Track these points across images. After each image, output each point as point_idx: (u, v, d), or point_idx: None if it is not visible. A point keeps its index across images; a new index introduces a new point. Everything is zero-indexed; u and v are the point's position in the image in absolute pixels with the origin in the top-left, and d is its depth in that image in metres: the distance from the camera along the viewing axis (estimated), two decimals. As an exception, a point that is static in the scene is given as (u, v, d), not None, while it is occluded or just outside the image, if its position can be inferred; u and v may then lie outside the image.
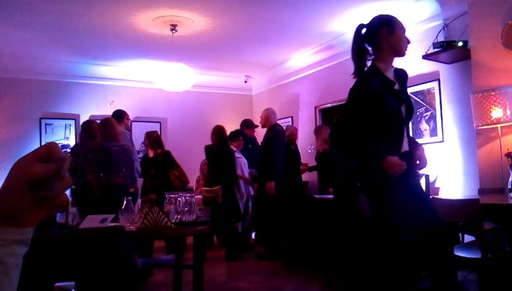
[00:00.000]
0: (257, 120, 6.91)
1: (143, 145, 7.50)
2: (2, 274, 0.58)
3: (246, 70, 7.83)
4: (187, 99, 7.69)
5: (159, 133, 6.14)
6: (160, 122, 7.59)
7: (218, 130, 5.70)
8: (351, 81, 2.56)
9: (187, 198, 2.74)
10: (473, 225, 2.93)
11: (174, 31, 5.43)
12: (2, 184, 0.59)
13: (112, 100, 7.16)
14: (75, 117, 6.99)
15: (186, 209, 2.68)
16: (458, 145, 4.71)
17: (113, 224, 2.43)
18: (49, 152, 0.60)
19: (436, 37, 4.67)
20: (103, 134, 4.59)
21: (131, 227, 2.45)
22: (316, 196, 4.87)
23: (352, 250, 3.96)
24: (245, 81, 8.24)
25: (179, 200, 2.71)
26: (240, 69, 7.76)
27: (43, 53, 6.35)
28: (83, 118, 7.07)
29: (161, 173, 5.43)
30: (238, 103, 8.21)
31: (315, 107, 7.02)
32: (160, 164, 5.47)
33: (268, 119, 5.73)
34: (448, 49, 4.43)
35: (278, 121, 7.71)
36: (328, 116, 6.99)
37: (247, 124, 6.54)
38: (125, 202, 2.58)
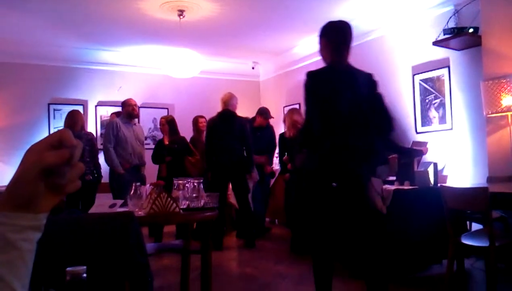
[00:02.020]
0: (264, 106, 6.88)
1: (151, 131, 7.53)
2: (18, 259, 0.59)
3: (254, 56, 7.79)
4: (195, 85, 7.68)
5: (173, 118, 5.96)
6: (167, 108, 7.59)
7: (194, 121, 6.21)
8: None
9: (195, 184, 2.75)
10: (481, 213, 2.93)
11: (181, 16, 5.40)
12: (15, 171, 0.60)
13: (120, 86, 7.17)
14: (83, 103, 7.01)
15: (194, 195, 2.69)
16: (467, 133, 4.67)
17: (122, 209, 2.46)
18: (61, 138, 0.60)
19: (447, 23, 4.60)
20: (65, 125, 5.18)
21: (140, 212, 2.47)
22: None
23: (358, 237, 3.96)
24: (253, 68, 8.19)
25: (187, 186, 2.72)
26: (247, 55, 7.72)
27: (51, 38, 6.35)
28: (91, 104, 7.11)
29: (177, 160, 5.47)
30: (246, 90, 8.16)
31: (323, 94, 6.96)
32: (176, 152, 5.50)
33: None
34: (459, 35, 4.37)
35: (286, 108, 7.71)
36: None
37: (260, 112, 6.35)
38: (133, 188, 2.60)
